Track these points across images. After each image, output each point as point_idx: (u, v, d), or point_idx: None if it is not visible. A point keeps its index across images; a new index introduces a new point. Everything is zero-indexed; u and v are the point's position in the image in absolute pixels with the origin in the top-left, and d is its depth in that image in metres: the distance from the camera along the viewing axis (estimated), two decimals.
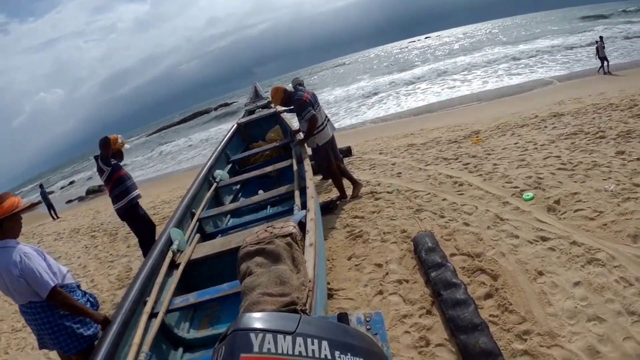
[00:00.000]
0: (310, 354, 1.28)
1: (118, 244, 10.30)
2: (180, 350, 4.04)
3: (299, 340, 1.30)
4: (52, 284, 3.41)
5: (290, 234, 3.31)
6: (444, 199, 6.21)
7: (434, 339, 3.70)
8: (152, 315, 3.80)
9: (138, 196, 6.52)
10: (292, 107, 6.94)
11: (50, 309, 3.52)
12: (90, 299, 3.91)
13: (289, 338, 1.29)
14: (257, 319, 1.35)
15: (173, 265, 4.56)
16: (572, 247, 4.24)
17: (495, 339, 3.37)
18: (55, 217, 22.62)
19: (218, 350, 1.36)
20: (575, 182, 5.62)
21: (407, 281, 4.51)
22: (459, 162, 7.80)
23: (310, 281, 2.95)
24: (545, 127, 8.88)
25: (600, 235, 4.36)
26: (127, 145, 6.65)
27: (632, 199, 4.83)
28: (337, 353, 1.33)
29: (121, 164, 6.53)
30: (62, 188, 49.59)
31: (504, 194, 5.84)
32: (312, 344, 1.30)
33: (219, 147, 8.25)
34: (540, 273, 4.00)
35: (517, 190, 5.80)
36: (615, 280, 3.68)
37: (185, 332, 4.25)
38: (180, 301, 3.99)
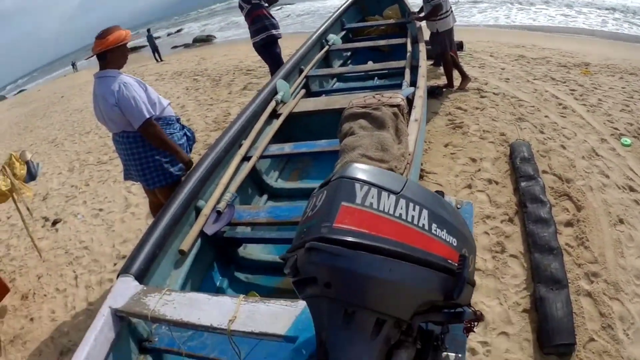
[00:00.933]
0: (409, 219, 1.17)
1: (220, 89, 10.34)
2: (265, 197, 4.16)
3: (402, 202, 1.18)
4: (147, 116, 3.38)
5: (398, 105, 3.27)
6: (547, 116, 6.25)
7: (510, 248, 3.90)
8: (245, 158, 3.86)
9: (276, 36, 6.90)
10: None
11: (142, 141, 3.51)
12: (188, 133, 3.91)
13: (392, 197, 1.17)
14: (365, 171, 1.22)
15: (274, 115, 4.56)
16: None
17: (565, 269, 3.53)
18: (159, 60, 22.90)
19: (318, 195, 1.27)
20: None
21: (497, 183, 4.66)
22: (566, 86, 7.67)
23: (410, 154, 2.94)
24: None
25: None
26: None
27: None
28: (434, 226, 1.21)
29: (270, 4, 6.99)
30: (169, 35, 49.06)
31: (604, 130, 5.85)
32: (414, 209, 1.19)
33: (336, 13, 8.19)
34: (621, 221, 4.12)
35: (617, 132, 5.80)
36: None
37: (274, 180, 4.35)
38: (275, 149, 4.01)
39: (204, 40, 31.79)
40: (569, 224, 4.12)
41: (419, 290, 1.17)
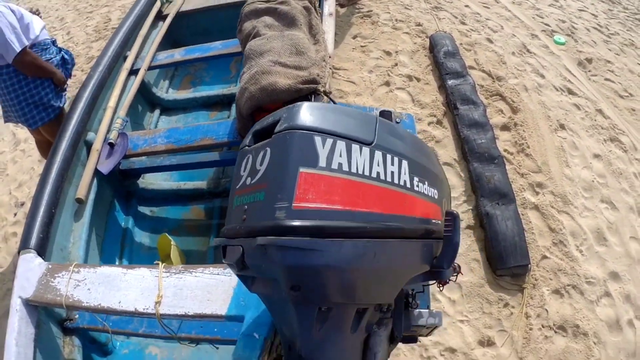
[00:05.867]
0: (389, 179, 0.99)
1: None
2: (157, 112, 4.04)
3: (378, 155, 0.98)
4: (20, 47, 3.23)
5: None
6: (467, 6, 5.98)
7: (442, 155, 3.72)
8: (132, 72, 3.71)
9: None
10: None
11: (17, 75, 3.39)
12: (65, 56, 3.76)
13: (366, 150, 0.97)
14: (323, 114, 1.00)
15: (160, 17, 4.36)
16: (597, 115, 4.29)
17: (509, 180, 3.43)
18: None
19: (255, 153, 1.04)
20: (610, 50, 5.56)
21: (418, 79, 4.44)
22: None
23: (330, 57, 2.78)
24: None
25: (627, 118, 4.40)
26: None
27: None
28: (415, 180, 1.05)
29: None
30: None
31: (533, 25, 5.71)
32: (392, 163, 1.00)
33: None
34: (562, 127, 4.06)
35: (549, 28, 5.69)
36: (634, 174, 3.80)
37: (164, 92, 4.21)
38: (164, 57, 3.86)
39: None
40: (505, 127, 4.00)
41: (406, 269, 1.10)
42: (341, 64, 4.66)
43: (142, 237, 3.14)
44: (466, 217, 3.33)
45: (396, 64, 4.65)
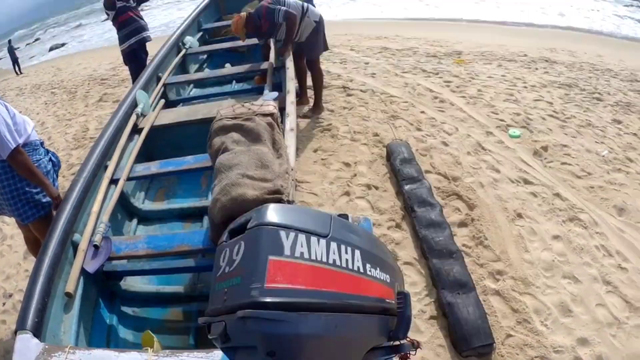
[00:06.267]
0: (344, 264, 1.18)
1: (77, 102, 10.61)
2: (135, 221, 4.17)
3: (333, 245, 1.18)
4: (14, 145, 3.37)
5: (272, 114, 3.31)
6: (423, 112, 6.29)
7: (403, 256, 3.84)
8: (112, 181, 3.88)
9: (144, 39, 7.19)
10: (263, 30, 5.99)
11: (10, 171, 3.52)
12: (53, 158, 3.94)
13: (322, 242, 1.17)
14: (286, 213, 1.20)
15: (135, 130, 4.60)
16: (555, 199, 4.43)
17: (468, 271, 3.55)
18: (19, 73, 23.69)
19: (232, 247, 1.22)
20: (566, 134, 5.79)
21: (376, 188, 4.62)
22: (440, 77, 7.84)
23: (292, 169, 2.99)
24: (536, 69, 8.96)
25: (586, 196, 4.55)
26: None
27: (623, 171, 5.02)
28: (368, 266, 1.24)
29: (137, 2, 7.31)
30: (27, 44, 50.30)
31: (488, 123, 5.97)
32: (346, 252, 1.20)
33: (193, 14, 8.39)
34: (520, 215, 4.19)
35: (504, 124, 5.94)
36: (596, 247, 3.90)
37: (141, 202, 4.39)
38: (141, 169, 4.05)
39: (59, 47, 34.26)
40: (463, 224, 4.14)
41: (366, 338, 1.25)
42: (304, 177, 4.86)
43: (126, 333, 3.25)
44: (429, 309, 3.42)
45: (355, 175, 4.84)
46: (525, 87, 7.53)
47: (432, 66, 8.54)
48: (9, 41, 27.81)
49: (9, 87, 17.12)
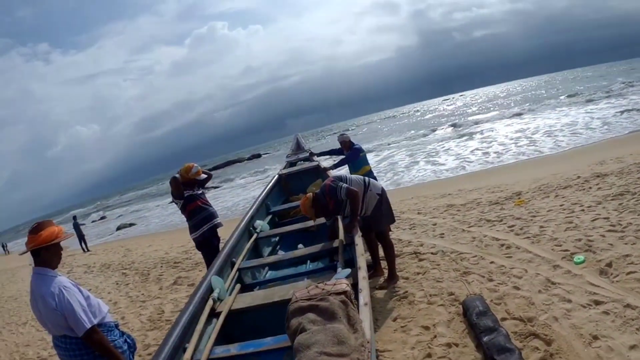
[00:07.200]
0: None
1: (150, 284, 10.90)
2: None
3: None
4: (89, 325, 3.54)
5: (345, 292, 3.47)
6: (492, 262, 6.61)
7: None
8: None
9: (216, 226, 7.21)
10: (331, 208, 6.27)
11: (85, 347, 3.63)
12: (128, 340, 4.06)
13: None
14: None
15: (213, 314, 4.75)
16: (626, 310, 4.59)
17: None
18: (85, 250, 24.43)
19: None
20: (626, 244, 6.03)
21: (456, 345, 4.83)
22: (504, 224, 8.23)
23: (368, 342, 3.07)
24: (590, 187, 9.33)
25: None
26: (203, 175, 7.23)
27: None
28: None
29: (204, 189, 7.44)
30: (93, 222, 53.86)
31: (553, 257, 6.24)
32: None
33: (260, 198, 8.78)
34: (595, 337, 4.33)
35: (568, 253, 6.21)
36: None
37: None
38: (221, 351, 4.15)
39: (127, 227, 36.11)
40: None
41: None
42: (385, 346, 5.02)
43: None
44: None
45: (435, 336, 5.01)
46: (583, 210, 7.85)
47: (495, 214, 8.96)
48: (74, 217, 28.49)
49: (77, 264, 17.62)
